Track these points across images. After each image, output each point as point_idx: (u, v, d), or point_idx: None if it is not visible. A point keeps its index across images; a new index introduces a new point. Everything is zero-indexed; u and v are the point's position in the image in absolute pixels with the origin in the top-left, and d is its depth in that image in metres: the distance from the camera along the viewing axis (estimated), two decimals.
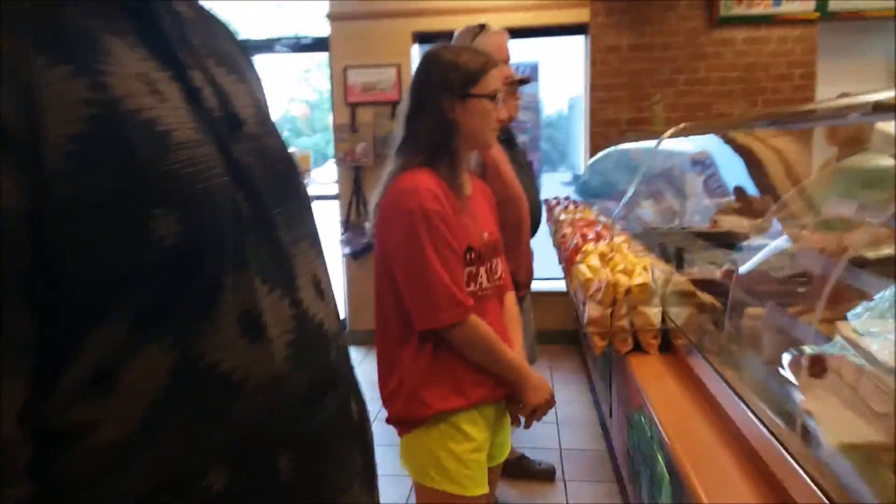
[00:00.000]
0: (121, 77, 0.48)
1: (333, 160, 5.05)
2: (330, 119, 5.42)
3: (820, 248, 1.10)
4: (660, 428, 1.34)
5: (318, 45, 4.96)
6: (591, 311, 1.67)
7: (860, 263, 1.05)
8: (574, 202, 4.06)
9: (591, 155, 4.56)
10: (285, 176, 0.61)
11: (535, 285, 2.63)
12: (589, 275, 1.77)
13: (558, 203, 4.08)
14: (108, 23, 0.50)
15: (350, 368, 0.65)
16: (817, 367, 0.89)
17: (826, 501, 0.79)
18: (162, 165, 0.48)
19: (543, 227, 3.39)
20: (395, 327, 1.47)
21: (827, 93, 4.17)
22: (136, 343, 0.48)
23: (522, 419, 1.56)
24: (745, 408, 1.11)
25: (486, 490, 1.49)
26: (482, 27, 2.34)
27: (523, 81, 2.42)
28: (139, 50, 0.52)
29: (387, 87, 4.70)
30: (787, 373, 0.99)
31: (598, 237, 2.35)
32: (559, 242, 3.07)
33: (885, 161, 1.23)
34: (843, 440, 0.77)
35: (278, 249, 0.57)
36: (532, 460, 2.84)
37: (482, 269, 1.49)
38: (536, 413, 1.53)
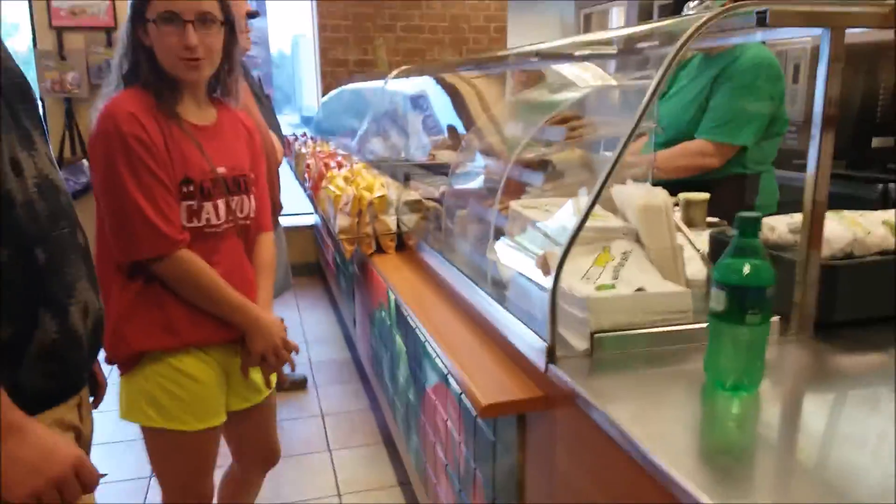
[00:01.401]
0: None
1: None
2: (11, 44, 4.78)
3: (500, 158, 1.56)
4: (401, 302, 1.73)
5: None
6: (340, 221, 1.99)
7: (526, 164, 1.53)
8: (312, 138, 4.30)
9: (324, 93, 4.81)
10: (23, 86, 0.95)
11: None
12: (338, 192, 2.08)
13: (296, 139, 4.28)
14: None
15: (74, 215, 1.00)
16: (496, 233, 1.34)
17: (507, 315, 1.25)
18: None
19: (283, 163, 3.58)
20: (108, 260, 1.38)
21: (516, 43, 4.99)
22: None
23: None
24: (462, 277, 1.54)
25: (214, 423, 1.45)
26: None
27: (252, 15, 2.51)
28: None
29: (99, 11, 4.33)
30: (486, 245, 1.44)
31: (340, 165, 2.67)
32: (303, 174, 3.32)
33: (544, 95, 1.74)
34: (511, 272, 1.22)
35: (24, 130, 0.92)
36: (285, 374, 3.12)
37: (208, 205, 1.39)
38: (267, 360, 1.45)
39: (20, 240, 0.88)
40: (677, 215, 1.83)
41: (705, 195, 1.80)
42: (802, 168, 1.09)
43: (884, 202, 2.67)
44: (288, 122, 5.54)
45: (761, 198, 2.20)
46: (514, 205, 1.30)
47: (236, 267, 1.46)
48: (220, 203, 1.41)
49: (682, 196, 1.82)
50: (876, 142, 3.12)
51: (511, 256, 1.27)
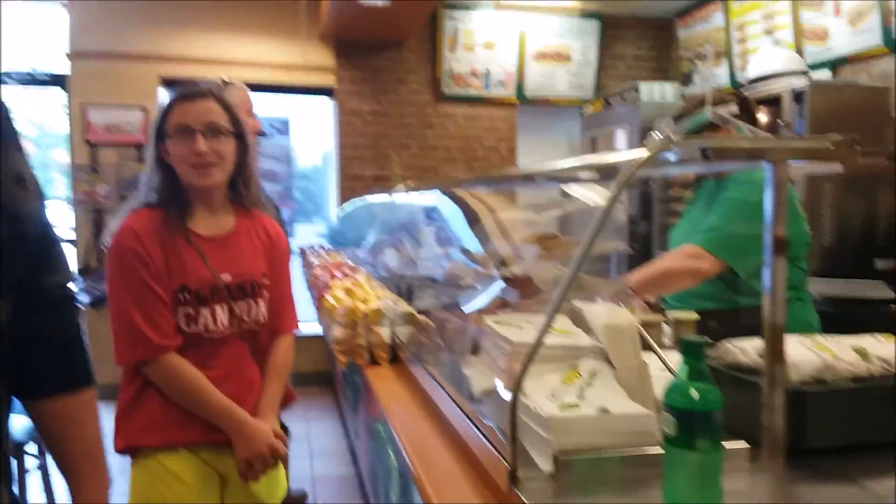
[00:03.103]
0: None
1: (67, 201, 4.81)
2: (53, 156, 5.17)
3: (485, 273, 1.62)
4: (388, 420, 1.73)
5: (56, 81, 4.74)
6: (335, 332, 2.03)
7: (508, 280, 1.57)
8: (326, 249, 4.44)
9: (341, 205, 5.02)
10: None
11: None
12: (335, 303, 2.14)
13: (312, 250, 4.42)
14: None
15: None
16: (475, 347, 1.37)
17: (479, 434, 1.25)
18: None
19: (296, 273, 3.67)
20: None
21: (526, 162, 5.20)
22: None
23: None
24: (444, 393, 1.54)
25: None
26: (225, 83, 2.45)
27: (259, 133, 2.66)
28: None
29: (133, 129, 4.66)
30: (464, 358, 1.46)
31: (345, 276, 2.74)
32: (311, 283, 3.41)
33: (528, 214, 1.82)
34: (481, 387, 1.24)
35: None
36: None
37: (206, 311, 1.46)
38: (253, 466, 1.47)
39: None
40: (668, 333, 1.84)
41: (695, 315, 1.81)
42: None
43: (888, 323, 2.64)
44: (315, 230, 5.80)
45: (792, 328, 2.08)
46: (488, 320, 1.34)
47: (235, 371, 1.52)
48: (221, 309, 1.48)
49: (672, 314, 1.83)
50: (879, 263, 3.13)
51: (482, 372, 1.29)
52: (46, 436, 0.99)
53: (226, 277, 1.50)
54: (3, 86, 4.63)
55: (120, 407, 1.49)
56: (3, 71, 4.61)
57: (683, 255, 1.96)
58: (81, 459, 0.99)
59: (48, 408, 0.96)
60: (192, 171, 1.47)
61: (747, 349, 1.25)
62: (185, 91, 1.52)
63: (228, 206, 1.59)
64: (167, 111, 1.50)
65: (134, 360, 1.43)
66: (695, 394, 0.89)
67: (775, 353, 1.08)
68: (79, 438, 0.99)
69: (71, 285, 1.00)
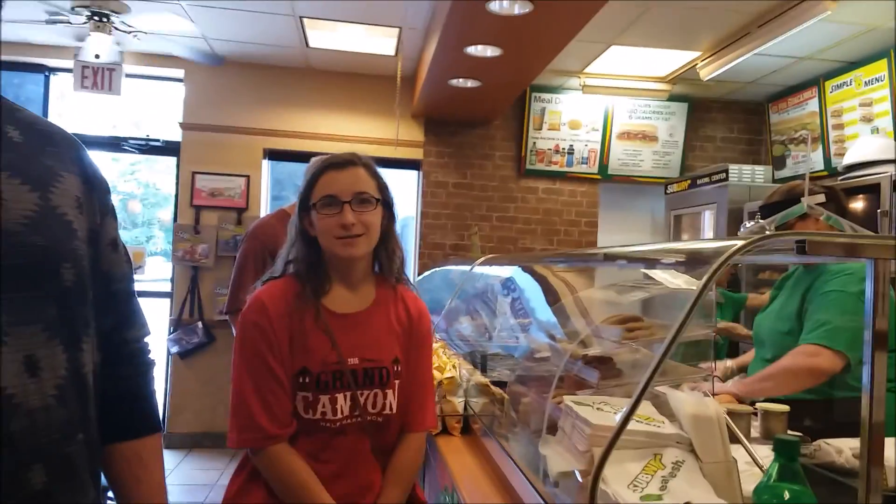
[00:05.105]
0: None
1: (167, 258, 5.13)
2: (157, 214, 5.56)
3: (563, 351, 1.61)
4: (458, 491, 1.71)
5: (168, 148, 5.16)
6: None
7: (588, 360, 1.56)
8: None
9: (420, 273, 5.12)
10: (29, 269, 0.79)
11: None
12: None
13: None
14: None
15: (45, 444, 0.79)
16: (551, 426, 1.35)
17: None
18: None
19: None
20: None
21: (606, 239, 5.17)
22: None
23: None
24: (517, 470, 1.52)
25: None
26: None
27: None
28: None
29: (235, 194, 4.97)
30: (540, 436, 1.44)
31: None
32: None
33: (609, 295, 1.81)
34: (559, 469, 1.21)
35: None
36: None
37: (325, 398, 1.34)
38: None
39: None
40: (755, 426, 1.76)
41: (784, 407, 1.73)
42: None
43: None
44: None
45: (888, 419, 1.97)
46: (568, 400, 1.32)
47: (351, 468, 1.37)
48: (342, 396, 1.35)
49: (761, 406, 1.75)
50: None
51: (559, 453, 1.27)
52: (114, 478, 1.02)
53: (352, 362, 1.37)
54: (121, 151, 5.09)
55: (229, 490, 1.41)
56: (121, 137, 5.08)
57: (800, 354, 1.91)
58: (146, 500, 1.02)
59: (118, 451, 1.01)
60: (338, 243, 1.37)
61: (843, 449, 1.18)
62: (332, 159, 1.43)
63: (371, 279, 1.47)
64: (313, 182, 1.41)
65: (242, 445, 1.34)
66: (787, 495, 0.85)
67: (873, 454, 1.02)
68: (144, 480, 1.03)
69: (148, 339, 1.08)
